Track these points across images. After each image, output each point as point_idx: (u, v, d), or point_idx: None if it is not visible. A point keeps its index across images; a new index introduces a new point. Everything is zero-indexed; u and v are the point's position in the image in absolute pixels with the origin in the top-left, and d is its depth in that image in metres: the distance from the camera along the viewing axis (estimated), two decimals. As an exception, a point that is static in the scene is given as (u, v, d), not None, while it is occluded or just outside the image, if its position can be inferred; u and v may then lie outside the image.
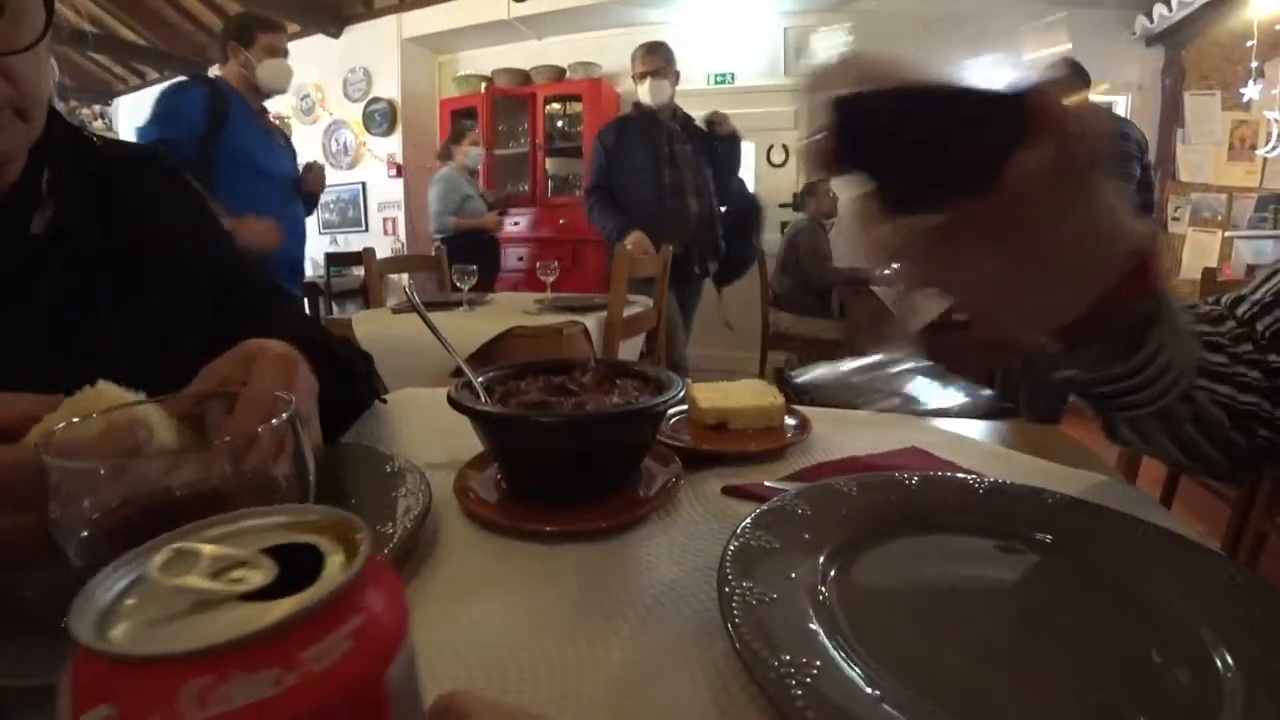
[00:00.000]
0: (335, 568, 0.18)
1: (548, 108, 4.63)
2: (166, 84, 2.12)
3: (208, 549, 0.18)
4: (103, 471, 0.28)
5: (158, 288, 0.63)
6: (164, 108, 2.06)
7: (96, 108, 6.58)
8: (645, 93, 2.84)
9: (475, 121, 4.47)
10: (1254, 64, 3.50)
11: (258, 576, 0.17)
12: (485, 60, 4.97)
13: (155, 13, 5.27)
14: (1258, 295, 0.51)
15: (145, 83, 6.32)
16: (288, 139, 2.49)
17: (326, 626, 0.16)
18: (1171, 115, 3.91)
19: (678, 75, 2.92)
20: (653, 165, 2.78)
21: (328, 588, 0.16)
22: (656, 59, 2.84)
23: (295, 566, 0.18)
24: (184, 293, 0.66)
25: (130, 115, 6.58)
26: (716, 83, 4.37)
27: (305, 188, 2.44)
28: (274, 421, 0.29)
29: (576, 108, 4.60)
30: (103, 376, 0.53)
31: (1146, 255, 0.37)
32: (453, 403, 0.51)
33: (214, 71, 2.28)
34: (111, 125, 6.63)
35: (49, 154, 0.57)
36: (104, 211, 0.61)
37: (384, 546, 0.41)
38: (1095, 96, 4.16)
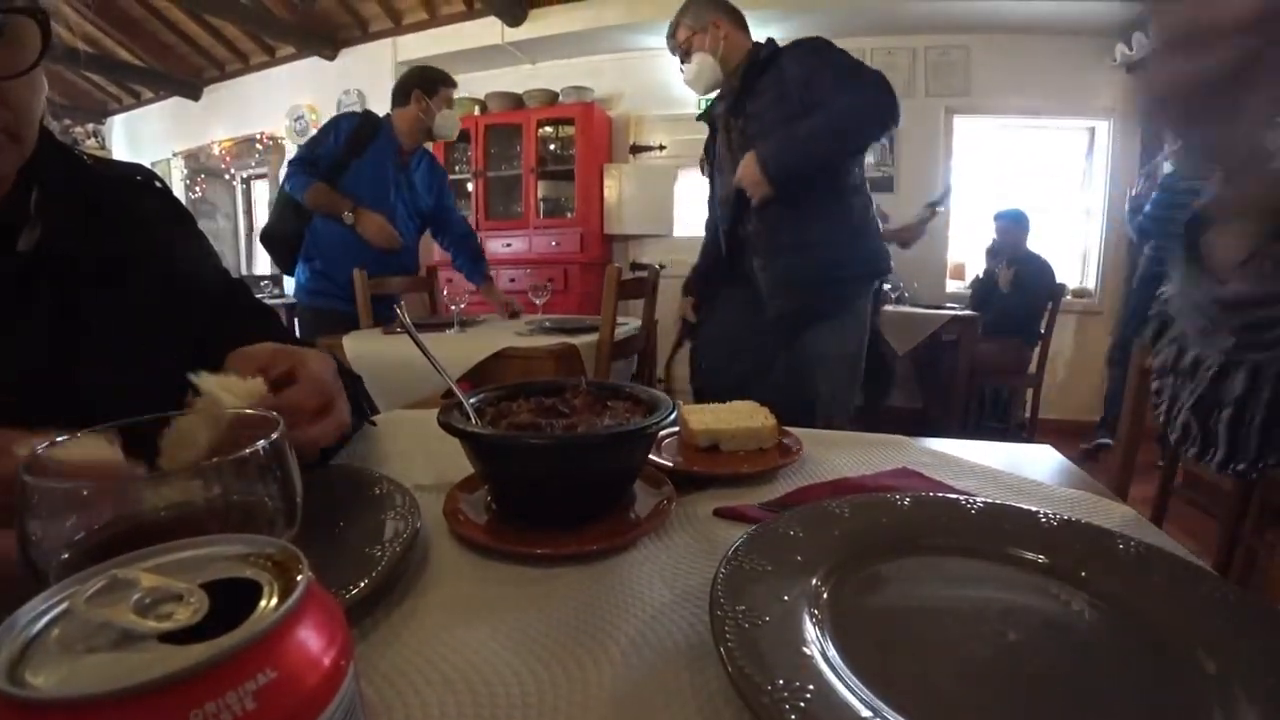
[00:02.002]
0: (261, 614, 0.17)
1: (540, 131, 4.67)
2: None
3: (146, 579, 0.18)
4: (85, 492, 0.27)
5: (145, 306, 0.63)
6: (321, 130, 2.46)
7: (90, 126, 6.58)
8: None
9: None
10: (1232, 91, 3.57)
11: (185, 614, 0.17)
12: (479, 84, 5.01)
13: (153, 34, 5.30)
14: None
15: (140, 102, 6.34)
16: (438, 178, 2.69)
17: (227, 682, 0.15)
18: (1151, 140, 3.99)
19: (728, 31, 1.88)
20: (710, 174, 2.07)
21: (234, 640, 0.15)
22: (689, 21, 1.92)
23: (229, 605, 0.17)
24: (172, 311, 0.65)
25: (125, 134, 6.59)
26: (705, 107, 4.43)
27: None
28: (262, 443, 0.29)
29: (569, 131, 4.64)
30: (87, 394, 0.53)
31: None
32: (443, 424, 0.50)
33: (301, 110, 2.69)
34: (105, 144, 6.63)
35: (38, 173, 0.57)
36: (93, 230, 0.60)
37: (370, 572, 0.41)
38: (1073, 122, 4.26)
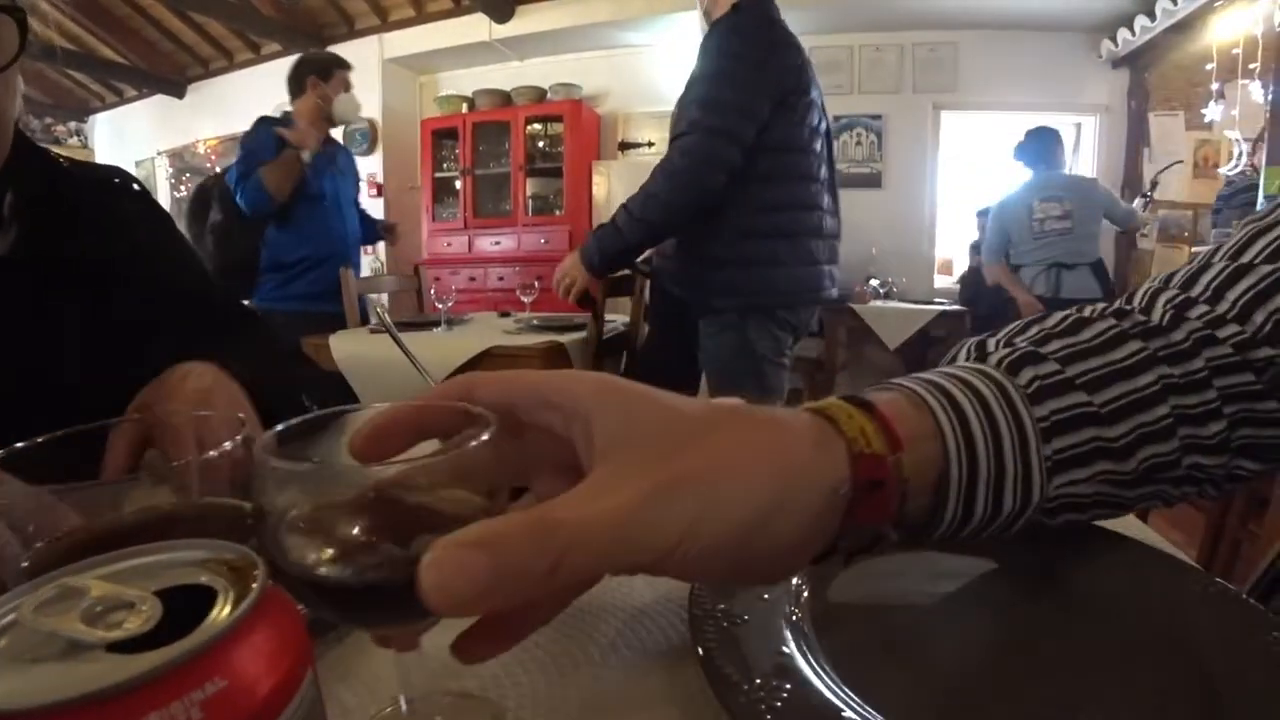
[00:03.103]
0: (212, 621, 0.17)
1: (528, 129, 4.65)
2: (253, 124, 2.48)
3: (96, 587, 0.17)
4: (46, 498, 0.27)
5: (124, 309, 0.62)
6: (245, 144, 2.43)
7: (73, 124, 6.51)
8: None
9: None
10: (1214, 86, 3.61)
11: (135, 622, 0.16)
12: (467, 81, 4.99)
13: (135, 31, 5.24)
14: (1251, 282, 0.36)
15: (123, 100, 6.27)
16: (351, 161, 2.77)
17: (172, 692, 0.14)
18: (1138, 135, 4.03)
19: None
20: None
21: (181, 649, 0.15)
22: None
23: (184, 612, 0.17)
24: (151, 316, 0.65)
25: (108, 133, 6.52)
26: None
27: (387, 241, 2.87)
28: (228, 445, 0.28)
29: (557, 129, 4.63)
30: (66, 400, 0.52)
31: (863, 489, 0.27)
32: None
33: (285, 107, 2.60)
34: (88, 143, 6.56)
35: (12, 175, 0.56)
36: (70, 233, 0.60)
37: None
38: (1060, 118, 4.28)
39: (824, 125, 1.65)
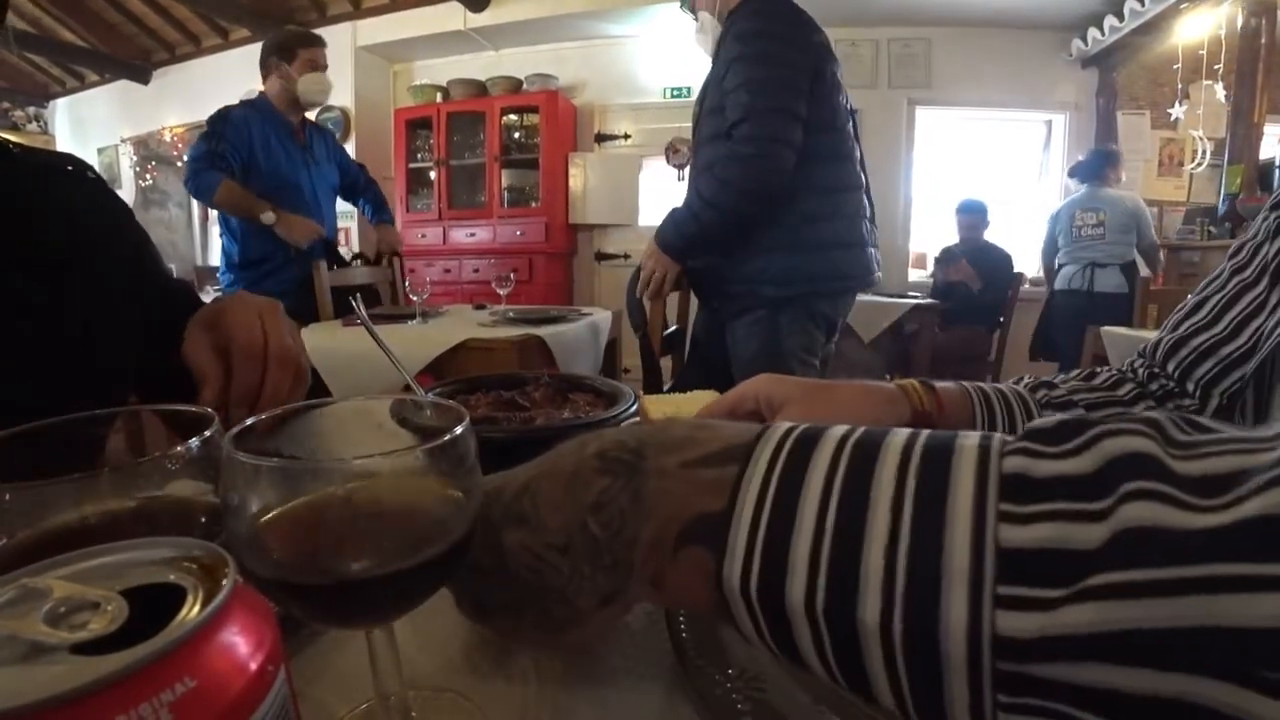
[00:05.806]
0: (181, 620, 0.16)
1: (504, 119, 4.60)
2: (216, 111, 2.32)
3: (59, 587, 0.17)
4: (6, 497, 0.26)
5: (82, 300, 0.60)
6: (211, 125, 2.27)
7: (32, 110, 6.30)
8: None
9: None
10: (1179, 86, 3.70)
11: (100, 623, 0.16)
12: (441, 70, 4.92)
13: (96, 14, 5.08)
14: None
15: (84, 85, 6.08)
16: (333, 145, 2.65)
17: (139, 694, 0.14)
18: (1105, 133, 4.10)
19: None
20: None
21: (149, 649, 0.15)
22: None
23: (151, 612, 0.16)
24: (111, 305, 0.63)
25: (69, 119, 6.32)
26: (672, 96, 4.42)
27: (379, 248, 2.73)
28: (194, 441, 0.28)
29: (533, 119, 4.59)
30: (21, 391, 0.50)
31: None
32: (395, 417, 0.49)
33: (257, 89, 2.44)
34: (48, 128, 6.36)
35: None
36: (19, 222, 0.57)
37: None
38: (1031, 115, 4.35)
39: (849, 104, 1.64)
